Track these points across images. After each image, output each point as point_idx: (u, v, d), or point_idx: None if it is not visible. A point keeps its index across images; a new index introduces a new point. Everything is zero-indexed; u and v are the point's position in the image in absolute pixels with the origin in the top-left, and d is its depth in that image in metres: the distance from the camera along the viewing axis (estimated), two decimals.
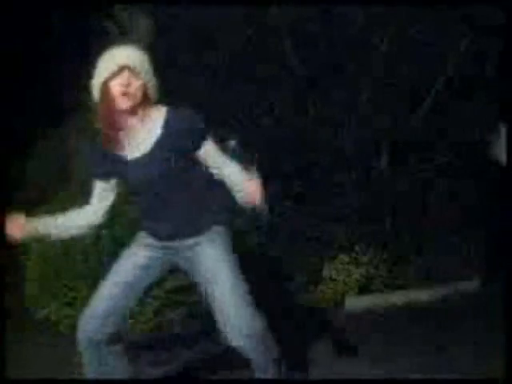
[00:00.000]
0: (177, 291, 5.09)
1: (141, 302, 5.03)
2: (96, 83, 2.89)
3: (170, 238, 3.07)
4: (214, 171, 3.06)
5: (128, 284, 3.07)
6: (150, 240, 3.12)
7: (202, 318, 5.01)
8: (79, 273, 5.04)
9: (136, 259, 3.10)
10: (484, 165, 6.98)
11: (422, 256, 6.47)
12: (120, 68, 2.83)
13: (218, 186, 3.06)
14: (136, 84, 2.85)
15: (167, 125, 2.93)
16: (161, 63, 5.97)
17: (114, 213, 5.08)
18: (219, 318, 2.96)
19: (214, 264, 2.98)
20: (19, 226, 2.99)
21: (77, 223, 3.20)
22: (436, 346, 4.74)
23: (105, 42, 5.42)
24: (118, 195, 5.12)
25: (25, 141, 6.72)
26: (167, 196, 3.00)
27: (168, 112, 2.97)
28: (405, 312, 5.76)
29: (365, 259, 6.15)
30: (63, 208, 5.30)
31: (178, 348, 4.66)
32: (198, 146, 2.98)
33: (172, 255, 3.11)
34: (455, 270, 6.43)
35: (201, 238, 3.03)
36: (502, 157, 6.68)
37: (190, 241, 3.04)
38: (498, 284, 5.96)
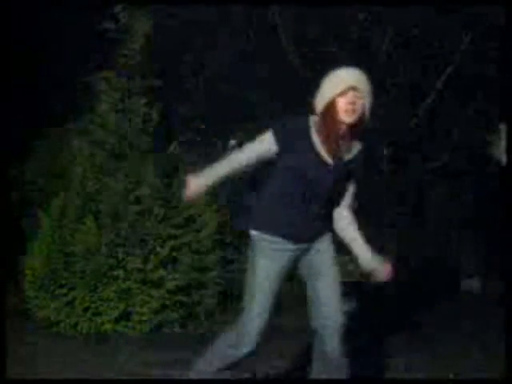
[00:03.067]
0: (177, 291, 5.09)
1: (141, 302, 5.05)
2: (323, 98, 3.19)
3: (310, 240, 3.28)
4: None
5: (274, 295, 3.25)
6: (286, 244, 3.26)
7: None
8: (79, 273, 5.04)
9: (278, 270, 3.26)
10: (484, 165, 6.99)
11: (422, 256, 6.48)
12: (348, 88, 3.16)
13: None
14: (359, 103, 3.18)
15: (361, 148, 3.29)
16: (160, 63, 5.99)
17: (114, 215, 5.13)
18: (321, 303, 3.28)
19: (329, 262, 3.35)
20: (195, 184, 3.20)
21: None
22: (436, 345, 4.75)
23: (105, 42, 5.43)
24: (121, 197, 5.16)
25: (24, 141, 6.72)
26: (325, 206, 3.25)
27: (363, 142, 3.31)
28: (405, 312, 5.77)
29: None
30: (63, 208, 5.34)
31: (178, 348, 4.66)
32: (352, 178, 3.29)
33: (299, 254, 3.32)
34: (455, 269, 6.44)
35: (324, 238, 3.32)
36: (502, 157, 6.69)
37: (317, 242, 3.32)
38: (497, 284, 5.98)
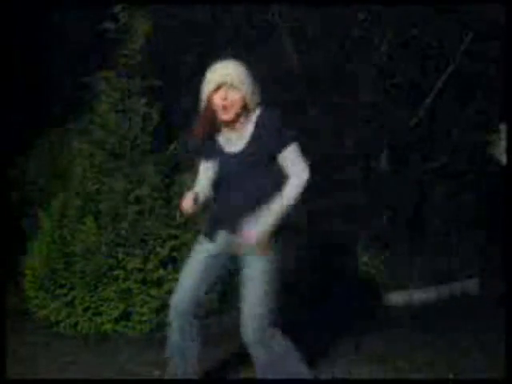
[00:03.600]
0: None
1: (141, 302, 5.05)
2: (203, 96, 3.31)
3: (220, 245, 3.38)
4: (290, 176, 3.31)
5: (197, 280, 3.40)
6: (207, 245, 3.40)
7: None
8: (79, 273, 5.05)
9: (197, 266, 3.41)
10: (484, 165, 6.99)
11: (422, 256, 6.47)
12: (218, 85, 3.23)
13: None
14: (233, 97, 3.22)
15: (258, 125, 3.27)
16: (160, 63, 5.99)
17: (114, 215, 5.13)
18: (242, 320, 3.30)
19: (250, 279, 3.30)
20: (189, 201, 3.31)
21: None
22: (436, 346, 4.75)
23: (105, 42, 5.43)
24: (121, 197, 5.16)
25: (25, 141, 6.72)
26: (236, 201, 3.28)
27: (259, 114, 3.29)
28: (405, 312, 5.76)
29: (365, 259, 6.15)
30: (63, 208, 5.34)
31: None
32: (280, 149, 3.28)
33: (225, 260, 3.43)
34: (455, 270, 6.44)
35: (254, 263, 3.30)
36: (502, 157, 6.68)
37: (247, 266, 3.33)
38: (497, 284, 5.97)
